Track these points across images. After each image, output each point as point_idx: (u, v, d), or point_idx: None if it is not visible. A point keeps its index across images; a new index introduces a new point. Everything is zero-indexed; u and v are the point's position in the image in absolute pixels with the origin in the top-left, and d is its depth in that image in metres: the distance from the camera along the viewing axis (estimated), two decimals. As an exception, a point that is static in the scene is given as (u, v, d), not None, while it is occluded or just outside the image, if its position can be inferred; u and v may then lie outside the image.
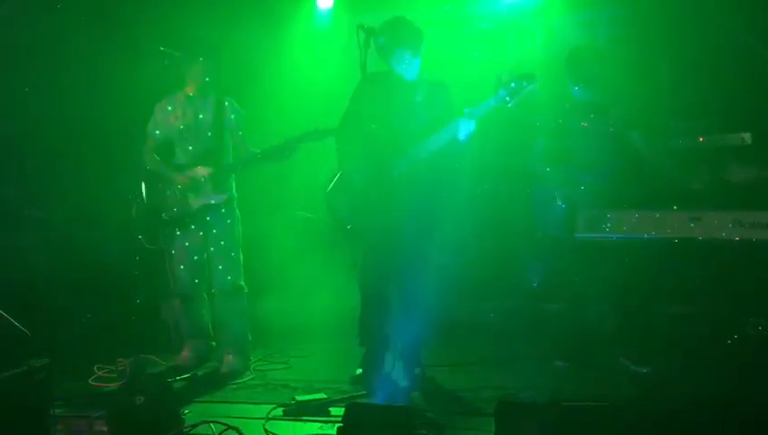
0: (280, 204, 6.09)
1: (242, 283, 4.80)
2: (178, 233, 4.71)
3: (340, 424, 3.05)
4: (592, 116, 4.69)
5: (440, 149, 4.02)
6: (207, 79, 4.73)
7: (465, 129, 3.95)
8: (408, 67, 4.21)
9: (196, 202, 4.69)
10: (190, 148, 4.72)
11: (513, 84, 3.86)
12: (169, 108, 4.74)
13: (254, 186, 5.47)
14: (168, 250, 4.75)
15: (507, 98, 3.87)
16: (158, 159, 4.74)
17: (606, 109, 4.70)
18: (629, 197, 4.59)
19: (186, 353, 4.79)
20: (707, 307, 4.87)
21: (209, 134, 4.72)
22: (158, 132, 4.75)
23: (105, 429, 3.30)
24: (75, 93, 5.57)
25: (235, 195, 4.86)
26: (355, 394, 4.04)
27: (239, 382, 4.44)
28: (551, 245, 4.94)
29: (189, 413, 3.58)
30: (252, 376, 4.57)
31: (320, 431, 3.49)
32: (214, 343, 4.88)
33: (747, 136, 5.04)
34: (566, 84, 4.76)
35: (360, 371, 4.34)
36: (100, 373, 4.51)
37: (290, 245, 5.70)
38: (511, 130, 5.49)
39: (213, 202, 4.70)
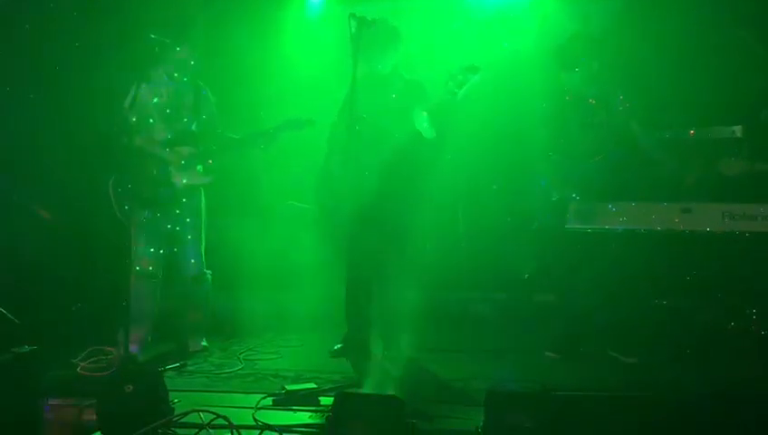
0: (273, 194, 6.08)
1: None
2: (149, 212, 4.65)
3: (330, 414, 3.05)
4: (593, 105, 4.68)
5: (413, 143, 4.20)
6: (191, 63, 4.72)
7: (424, 126, 4.14)
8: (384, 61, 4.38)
9: (182, 182, 4.67)
10: (169, 130, 4.71)
11: (459, 77, 3.99)
12: (149, 89, 4.67)
13: (249, 175, 5.46)
14: (136, 227, 4.64)
15: (455, 89, 4.00)
16: (136, 137, 4.65)
17: (606, 99, 4.69)
18: (625, 188, 4.59)
19: (131, 344, 4.57)
20: (697, 299, 4.90)
21: (186, 119, 4.73)
22: (135, 111, 4.66)
23: (94, 417, 3.28)
24: (59, 81, 5.54)
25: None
26: (345, 384, 4.04)
27: (229, 372, 4.44)
28: (542, 236, 4.95)
29: (179, 402, 3.56)
30: (242, 366, 4.57)
31: (309, 421, 3.49)
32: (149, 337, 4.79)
33: (738, 129, 5.06)
34: (563, 75, 4.74)
35: (339, 345, 4.69)
36: (85, 364, 4.47)
37: (282, 234, 5.70)
38: (505, 122, 5.50)
39: (199, 183, 4.72)
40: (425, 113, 4.14)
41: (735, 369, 4.23)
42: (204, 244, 4.87)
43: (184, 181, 4.70)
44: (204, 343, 4.93)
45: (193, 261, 4.78)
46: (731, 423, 2.77)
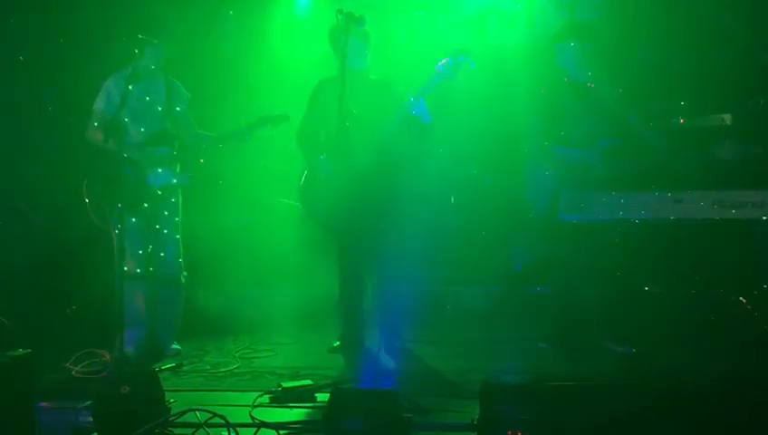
0: (265, 191, 6.08)
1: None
2: (126, 214, 4.51)
3: (326, 410, 3.05)
4: (589, 90, 4.69)
5: (401, 132, 4.25)
6: (164, 60, 4.69)
7: (417, 109, 4.19)
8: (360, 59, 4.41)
9: (157, 182, 4.65)
10: (142, 129, 4.68)
11: (449, 61, 4.06)
12: (120, 87, 4.56)
13: (240, 173, 5.45)
14: (116, 230, 4.46)
15: (447, 74, 4.07)
16: (110, 138, 4.45)
17: (601, 85, 4.69)
18: (618, 178, 4.61)
19: (126, 341, 4.49)
20: (689, 288, 4.92)
21: (161, 116, 4.71)
22: (107, 111, 4.61)
23: (90, 419, 3.28)
24: (38, 76, 5.51)
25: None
26: (341, 380, 4.05)
27: (225, 370, 4.44)
28: (535, 227, 4.96)
29: (175, 402, 3.56)
30: (238, 364, 4.57)
31: (306, 417, 3.49)
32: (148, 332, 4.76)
33: (727, 117, 5.08)
34: (559, 57, 4.74)
35: (337, 343, 4.67)
36: (79, 367, 4.43)
37: (274, 232, 5.69)
38: (498, 112, 5.51)
39: (177, 184, 4.71)
40: (421, 98, 4.16)
41: (728, 357, 4.25)
42: (181, 243, 4.83)
43: (161, 182, 4.66)
44: (176, 346, 4.84)
45: (168, 262, 4.73)
46: (722, 410, 2.79)
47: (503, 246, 5.83)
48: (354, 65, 4.33)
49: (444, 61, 4.11)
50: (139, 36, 4.43)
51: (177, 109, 4.76)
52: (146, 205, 4.64)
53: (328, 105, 4.25)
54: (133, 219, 4.62)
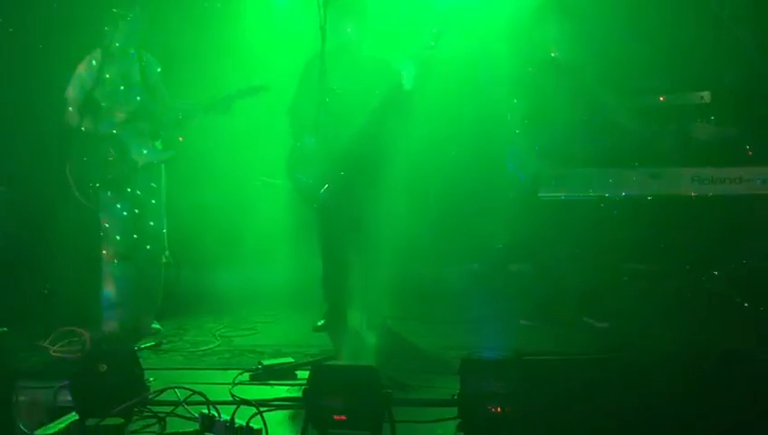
0: (244, 170, 6.03)
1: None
2: (111, 193, 4.56)
3: (306, 386, 3.05)
4: (567, 69, 4.69)
5: (386, 108, 4.25)
6: (137, 35, 4.62)
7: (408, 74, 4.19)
8: (350, 38, 4.39)
9: (140, 160, 4.60)
10: (120, 108, 4.63)
11: (433, 30, 4.12)
12: (92, 69, 4.55)
13: (218, 152, 5.40)
14: (101, 211, 4.56)
15: (432, 43, 4.11)
16: (85, 118, 4.51)
17: (580, 67, 4.69)
18: (597, 155, 4.62)
19: (111, 324, 4.61)
20: (668, 263, 4.97)
21: (138, 93, 4.65)
22: (82, 94, 4.56)
23: (69, 398, 3.25)
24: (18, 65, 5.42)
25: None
26: (323, 357, 4.05)
27: (205, 349, 4.42)
28: (515, 205, 4.97)
29: (155, 380, 3.54)
30: (218, 343, 4.56)
31: (287, 394, 3.49)
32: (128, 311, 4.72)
33: (706, 94, 5.10)
34: (537, 36, 4.73)
35: (322, 321, 4.61)
36: (57, 346, 4.39)
37: (255, 211, 5.66)
38: (478, 92, 5.49)
39: (159, 160, 4.67)
40: (409, 61, 4.16)
41: (705, 331, 4.31)
42: (165, 223, 4.79)
43: (144, 159, 4.62)
44: (156, 325, 4.82)
45: (150, 241, 4.70)
46: (699, 384, 2.82)
47: (483, 224, 5.83)
48: (338, 39, 4.29)
49: (429, 31, 4.13)
50: (114, 10, 4.37)
51: (151, 83, 4.70)
52: (128, 183, 4.59)
53: (314, 82, 4.22)
54: (115, 198, 4.58)
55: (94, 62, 4.55)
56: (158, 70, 4.77)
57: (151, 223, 4.70)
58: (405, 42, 4.34)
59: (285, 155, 4.59)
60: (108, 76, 4.57)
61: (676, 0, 5.37)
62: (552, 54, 4.71)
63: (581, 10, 4.84)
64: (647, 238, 4.95)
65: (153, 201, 4.71)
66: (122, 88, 4.62)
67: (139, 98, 4.67)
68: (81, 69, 4.62)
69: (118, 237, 4.60)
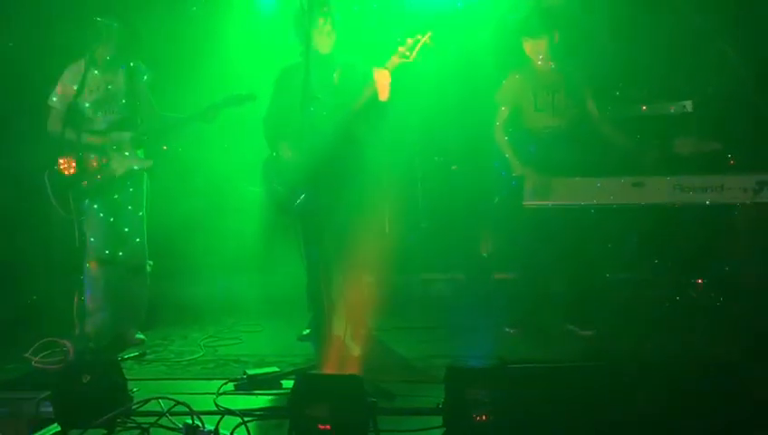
0: (230, 178, 6.01)
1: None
2: (90, 201, 4.53)
3: (290, 395, 3.04)
4: (555, 78, 4.71)
5: (360, 116, 4.24)
6: (123, 45, 4.60)
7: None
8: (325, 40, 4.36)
9: (121, 168, 4.58)
10: (105, 116, 4.60)
11: (409, 40, 4.05)
12: (77, 77, 4.50)
13: (200, 159, 5.38)
14: (82, 218, 4.47)
15: (407, 52, 4.05)
16: (68, 127, 4.42)
17: (569, 76, 4.72)
18: (581, 164, 4.63)
19: (87, 328, 4.48)
20: (651, 271, 5.00)
21: (123, 101, 4.63)
22: (66, 102, 4.52)
23: (50, 409, 3.22)
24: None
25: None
26: (307, 366, 4.03)
27: (189, 359, 4.40)
28: (500, 213, 4.98)
29: (138, 391, 3.52)
30: (202, 353, 4.53)
31: (271, 404, 3.48)
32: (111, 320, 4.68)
33: (689, 104, 5.15)
34: (526, 45, 4.74)
35: (307, 331, 4.65)
36: (39, 357, 4.34)
37: (241, 220, 5.64)
38: (462, 99, 5.52)
39: (137, 168, 4.64)
40: (385, 71, 4.11)
41: (688, 339, 4.33)
42: (146, 231, 4.76)
43: (125, 167, 4.60)
44: (139, 335, 4.78)
45: (133, 250, 4.66)
46: (684, 391, 2.84)
47: (468, 232, 5.84)
48: (319, 49, 4.30)
49: (404, 41, 4.07)
50: (98, 20, 4.35)
51: (137, 91, 4.67)
52: (108, 190, 4.56)
53: (292, 91, 4.21)
54: (96, 206, 4.55)
55: (79, 69, 4.52)
56: (145, 78, 4.74)
57: (134, 232, 4.66)
58: (382, 50, 4.33)
59: (261, 164, 4.57)
60: (92, 84, 4.55)
61: (656, 11, 5.41)
62: (539, 62, 4.73)
63: (566, 20, 4.86)
64: (629, 247, 4.99)
65: (135, 210, 4.67)
66: (106, 96, 4.60)
67: (123, 107, 4.64)
68: (65, 77, 4.60)
69: (98, 244, 4.56)
